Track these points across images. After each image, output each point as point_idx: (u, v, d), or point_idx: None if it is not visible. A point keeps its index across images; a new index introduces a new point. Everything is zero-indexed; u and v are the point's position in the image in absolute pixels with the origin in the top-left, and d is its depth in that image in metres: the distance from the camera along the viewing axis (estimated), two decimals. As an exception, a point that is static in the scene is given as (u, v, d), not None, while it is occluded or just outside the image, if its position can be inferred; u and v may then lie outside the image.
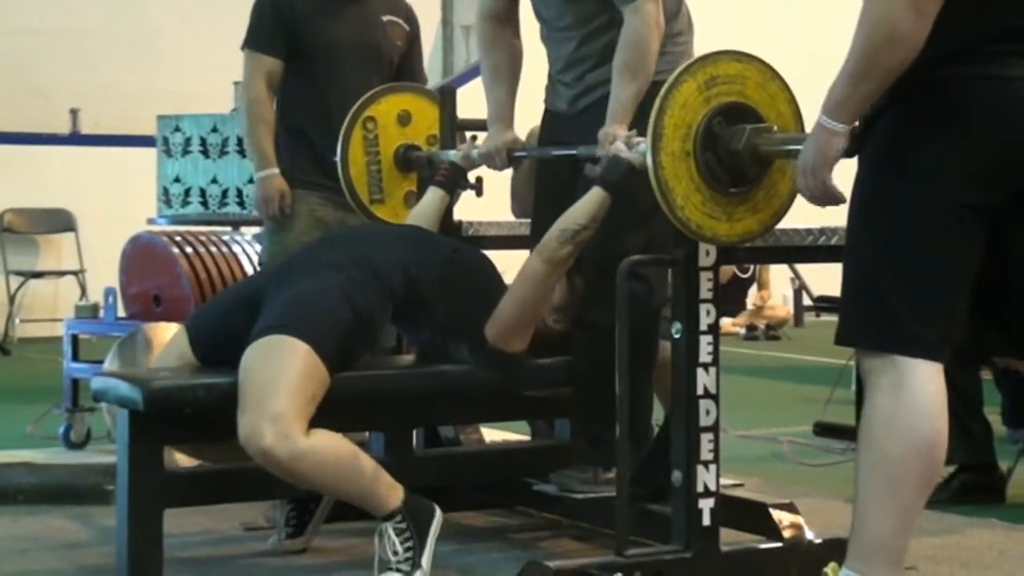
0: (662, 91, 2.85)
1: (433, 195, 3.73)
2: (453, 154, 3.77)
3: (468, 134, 3.92)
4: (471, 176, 3.81)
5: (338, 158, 3.91)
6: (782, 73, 2.95)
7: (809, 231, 3.27)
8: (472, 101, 4.00)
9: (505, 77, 3.66)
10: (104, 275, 6.31)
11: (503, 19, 3.64)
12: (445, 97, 3.95)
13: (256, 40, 4.18)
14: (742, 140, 2.84)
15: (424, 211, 3.70)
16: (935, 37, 2.44)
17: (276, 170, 4.11)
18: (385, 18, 4.24)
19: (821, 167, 2.55)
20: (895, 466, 2.48)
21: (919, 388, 2.48)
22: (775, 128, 2.88)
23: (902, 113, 2.50)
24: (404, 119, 3.97)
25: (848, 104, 2.49)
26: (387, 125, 3.96)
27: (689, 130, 2.85)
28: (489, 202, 3.94)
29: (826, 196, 2.60)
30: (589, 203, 3.22)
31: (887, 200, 2.51)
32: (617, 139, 3.21)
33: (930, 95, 2.47)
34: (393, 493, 3.11)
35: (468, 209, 3.94)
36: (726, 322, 9.30)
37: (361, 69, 4.14)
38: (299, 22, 4.15)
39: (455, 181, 3.75)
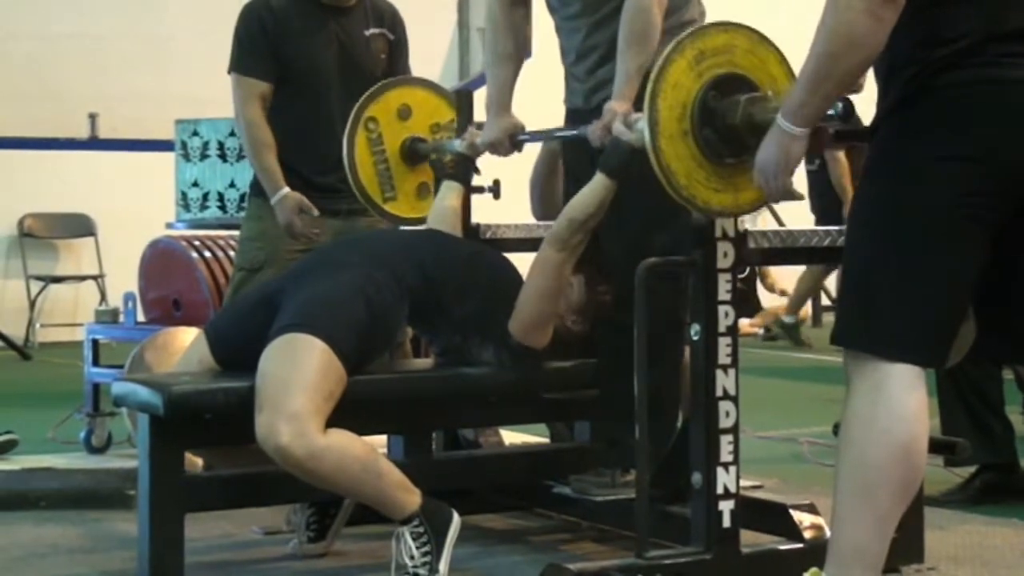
0: (652, 74, 2.83)
1: (448, 189, 3.74)
2: (458, 144, 3.76)
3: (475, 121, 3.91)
4: (489, 179, 3.82)
5: (345, 163, 3.90)
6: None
7: (827, 232, 3.27)
8: (489, 104, 3.99)
9: (510, 61, 3.65)
10: (124, 280, 6.33)
11: (516, 1, 3.63)
12: (462, 99, 3.94)
13: (247, 64, 4.14)
14: (738, 113, 2.81)
15: (443, 206, 3.70)
16: (939, 40, 2.44)
17: (286, 189, 4.08)
18: (368, 32, 4.20)
19: (783, 171, 2.57)
20: (872, 472, 2.45)
21: (897, 392, 2.44)
22: (769, 94, 2.85)
23: (906, 116, 2.49)
24: (404, 113, 3.96)
25: (807, 108, 2.50)
26: (389, 122, 3.94)
27: (685, 109, 2.82)
28: (507, 204, 3.94)
29: (786, 197, 2.64)
30: (594, 190, 3.21)
31: (888, 202, 2.49)
32: (616, 117, 3.18)
33: (935, 98, 2.46)
34: (410, 497, 3.11)
35: (486, 211, 3.94)
36: (744, 323, 9.28)
37: (345, 95, 4.10)
38: (285, 45, 4.12)
39: (466, 171, 3.75)
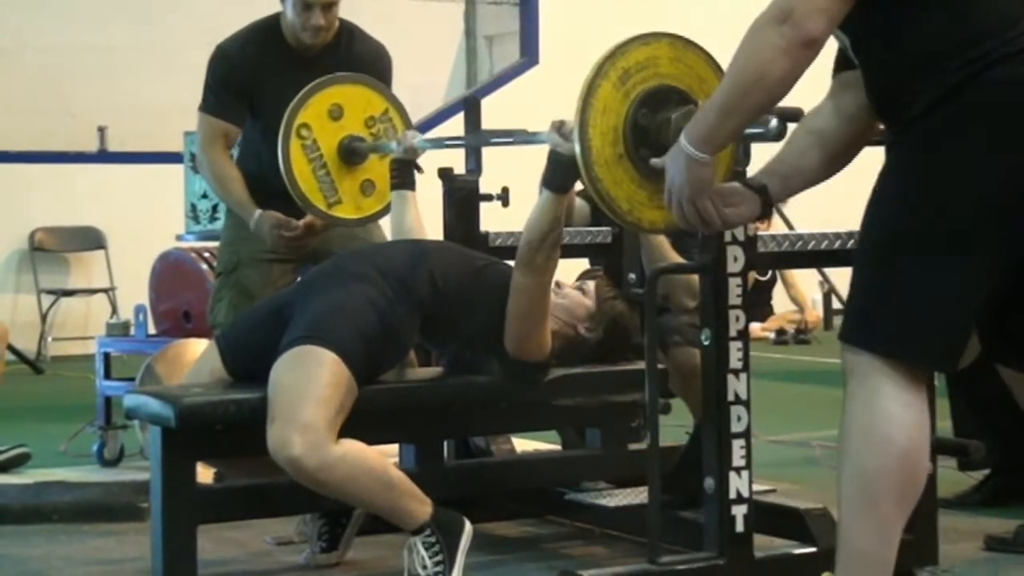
0: (579, 103, 2.75)
1: (400, 199, 3.71)
2: (395, 147, 3.73)
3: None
4: (498, 186, 3.81)
5: (284, 176, 3.85)
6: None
7: (838, 235, 3.26)
8: (495, 111, 3.99)
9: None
10: (134, 292, 6.33)
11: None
12: (469, 107, 3.94)
13: (213, 105, 4.18)
14: (671, 131, 2.74)
15: (401, 219, 3.68)
16: (981, 37, 2.37)
17: (258, 211, 4.08)
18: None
19: (698, 195, 2.53)
20: (872, 480, 2.42)
21: (894, 398, 2.40)
22: (699, 102, 2.77)
23: (946, 113, 2.40)
24: (336, 113, 3.89)
25: (715, 137, 2.49)
26: (322, 126, 3.88)
27: (617, 132, 2.76)
28: (516, 212, 3.93)
29: (704, 221, 2.58)
30: (545, 208, 3.16)
31: (912, 202, 2.43)
32: (551, 125, 3.10)
33: (976, 97, 2.38)
34: (422, 507, 3.11)
35: (494, 219, 3.93)
36: (755, 327, 9.27)
37: None
38: (254, 89, 4.13)
39: (409, 176, 3.71)
